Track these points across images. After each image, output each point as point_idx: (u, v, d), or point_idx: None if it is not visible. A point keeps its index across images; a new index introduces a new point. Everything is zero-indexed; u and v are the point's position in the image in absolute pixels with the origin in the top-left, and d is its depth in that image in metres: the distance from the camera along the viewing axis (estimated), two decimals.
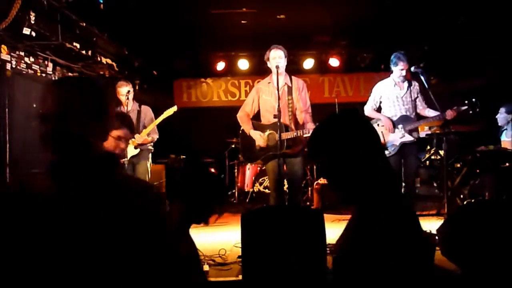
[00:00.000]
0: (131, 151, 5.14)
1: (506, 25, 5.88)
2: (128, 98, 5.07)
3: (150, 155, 5.37)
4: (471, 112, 4.59)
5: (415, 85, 4.79)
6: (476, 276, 2.89)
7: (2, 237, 1.09)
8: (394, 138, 4.71)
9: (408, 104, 4.76)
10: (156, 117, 5.26)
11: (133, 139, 5.04)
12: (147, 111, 5.33)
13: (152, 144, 5.33)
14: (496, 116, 5.63)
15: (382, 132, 4.77)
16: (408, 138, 4.66)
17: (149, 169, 5.33)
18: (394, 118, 4.74)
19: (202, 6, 5.77)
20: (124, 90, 5.07)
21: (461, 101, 4.78)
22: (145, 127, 5.21)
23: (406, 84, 4.78)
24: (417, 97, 4.82)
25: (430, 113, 4.71)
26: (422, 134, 4.81)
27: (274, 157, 4.20)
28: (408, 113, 4.74)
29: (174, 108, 5.26)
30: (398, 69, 4.68)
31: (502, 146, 5.52)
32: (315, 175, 7.05)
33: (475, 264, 2.95)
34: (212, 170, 7.09)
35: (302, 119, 4.35)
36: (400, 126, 4.68)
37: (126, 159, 4.96)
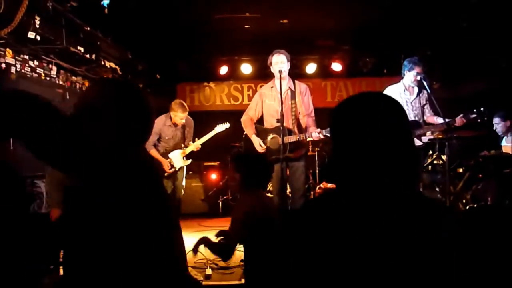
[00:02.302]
0: (181, 162, 5.62)
1: (509, 30, 5.88)
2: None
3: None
4: (479, 120, 4.60)
5: (424, 92, 4.79)
6: (479, 279, 2.88)
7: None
8: None
9: (417, 109, 4.77)
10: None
11: (181, 151, 5.61)
12: (191, 122, 5.80)
13: None
14: (494, 128, 5.65)
15: None
16: (417, 142, 4.66)
17: (184, 176, 5.77)
18: None
19: (206, 11, 5.80)
20: (184, 116, 5.49)
21: (464, 106, 4.79)
22: (185, 138, 5.70)
23: (416, 89, 4.78)
24: (426, 103, 4.82)
25: (439, 120, 4.70)
26: (425, 139, 4.80)
27: (277, 161, 4.21)
28: (417, 118, 4.75)
29: (226, 125, 5.93)
30: (413, 74, 4.67)
31: (503, 151, 5.52)
32: (318, 180, 7.05)
33: (477, 268, 2.94)
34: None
35: (305, 123, 4.36)
36: None
37: (175, 168, 5.56)
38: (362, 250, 1.14)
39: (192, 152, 5.74)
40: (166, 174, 5.49)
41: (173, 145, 5.61)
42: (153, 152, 5.46)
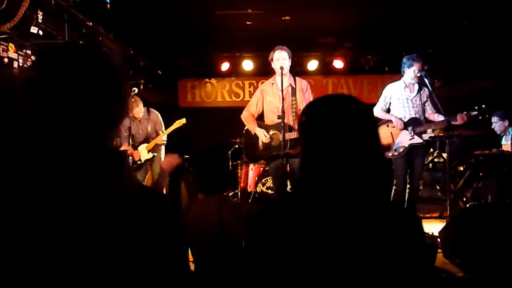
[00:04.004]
0: (145, 155, 5.83)
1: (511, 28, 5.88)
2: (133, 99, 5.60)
3: (163, 149, 5.99)
4: (480, 118, 4.60)
5: (425, 90, 4.81)
6: (479, 278, 2.91)
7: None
8: (403, 139, 4.71)
9: (417, 106, 4.78)
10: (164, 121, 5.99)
11: (146, 144, 5.80)
12: (156, 116, 5.93)
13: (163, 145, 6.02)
14: (493, 127, 5.66)
15: (391, 132, 4.78)
16: (417, 140, 4.67)
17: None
18: (404, 120, 4.76)
19: (208, 7, 5.80)
20: (139, 109, 5.70)
21: (466, 104, 4.79)
22: (155, 131, 5.87)
23: (416, 87, 4.79)
24: (426, 101, 4.83)
25: (440, 117, 4.71)
26: (426, 137, 4.81)
27: (277, 157, 4.22)
28: (417, 116, 4.75)
29: (183, 121, 5.87)
30: (412, 71, 4.68)
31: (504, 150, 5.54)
32: None
33: (478, 266, 2.96)
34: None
35: None
36: (409, 128, 4.69)
37: (141, 161, 5.79)
38: (320, 253, 1.15)
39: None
40: (135, 166, 5.82)
41: (143, 139, 5.86)
42: (126, 146, 5.77)
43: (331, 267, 1.14)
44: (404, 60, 4.76)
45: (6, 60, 4.19)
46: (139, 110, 5.75)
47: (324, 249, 1.15)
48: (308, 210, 1.21)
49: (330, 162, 1.21)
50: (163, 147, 5.98)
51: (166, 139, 5.94)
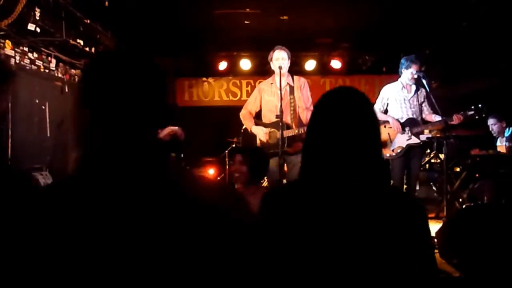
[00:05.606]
0: None
1: (508, 29, 5.90)
2: None
3: None
4: (477, 117, 4.61)
5: (422, 90, 4.82)
6: (475, 278, 2.92)
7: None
8: (401, 140, 4.72)
9: (415, 107, 4.78)
10: None
11: None
12: None
13: None
14: (490, 129, 5.68)
15: (389, 133, 4.79)
16: (415, 140, 4.68)
17: None
18: (401, 121, 4.76)
19: (205, 6, 5.79)
20: None
21: (463, 105, 4.81)
22: None
23: (414, 87, 4.80)
24: (424, 101, 4.84)
25: (437, 118, 4.72)
26: (423, 137, 4.82)
27: (275, 155, 4.21)
28: (414, 116, 4.76)
29: None
30: (410, 72, 4.68)
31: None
32: None
33: (474, 266, 2.97)
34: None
35: (304, 117, 4.34)
36: (407, 128, 4.70)
37: None
38: (322, 240, 1.16)
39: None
40: None
41: None
42: None
43: (334, 250, 1.16)
44: (403, 61, 4.77)
45: (2, 57, 4.18)
46: None
47: (327, 231, 1.17)
48: (313, 194, 1.23)
49: (333, 151, 1.26)
50: None
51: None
